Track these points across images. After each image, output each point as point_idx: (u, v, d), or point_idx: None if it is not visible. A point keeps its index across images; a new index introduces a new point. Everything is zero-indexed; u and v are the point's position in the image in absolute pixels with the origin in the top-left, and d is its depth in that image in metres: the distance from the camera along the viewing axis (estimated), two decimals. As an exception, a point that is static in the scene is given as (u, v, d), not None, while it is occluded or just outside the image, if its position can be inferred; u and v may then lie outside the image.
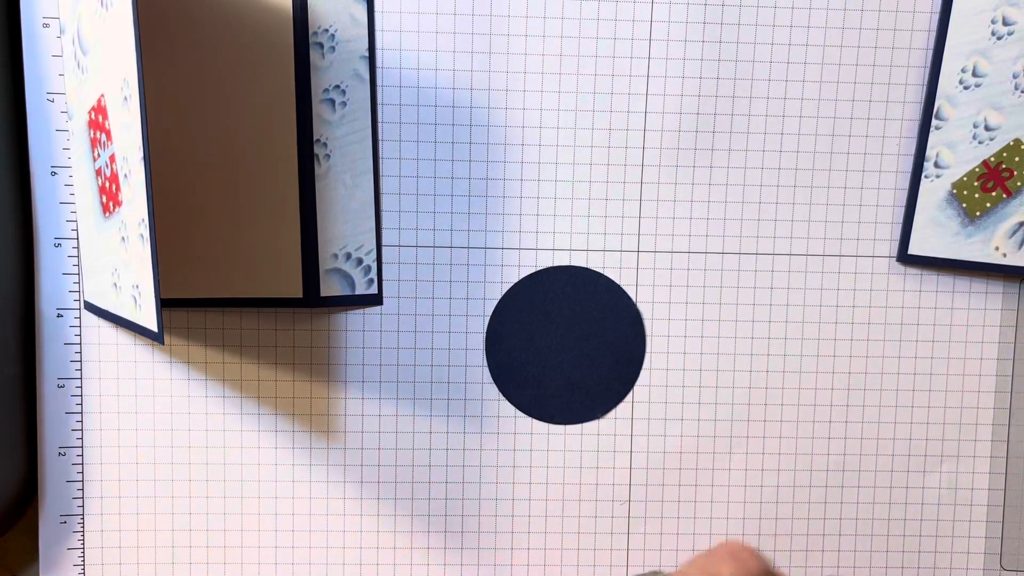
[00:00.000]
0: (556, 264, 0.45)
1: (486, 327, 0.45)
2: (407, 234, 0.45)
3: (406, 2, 0.43)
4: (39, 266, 0.44)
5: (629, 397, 0.46)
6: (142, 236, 0.35)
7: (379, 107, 0.44)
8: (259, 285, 0.44)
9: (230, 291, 0.44)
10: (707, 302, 0.46)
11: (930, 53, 0.44)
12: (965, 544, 0.47)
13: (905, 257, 0.45)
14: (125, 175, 0.36)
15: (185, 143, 0.42)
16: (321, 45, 0.43)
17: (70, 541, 0.45)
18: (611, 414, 0.46)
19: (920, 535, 0.47)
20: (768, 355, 0.46)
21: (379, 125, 0.44)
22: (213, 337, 0.45)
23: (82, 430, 0.45)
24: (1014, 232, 0.45)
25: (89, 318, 0.44)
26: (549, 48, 0.44)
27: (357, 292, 0.44)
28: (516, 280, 0.45)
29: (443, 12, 0.43)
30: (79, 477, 0.45)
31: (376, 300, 0.45)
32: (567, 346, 0.46)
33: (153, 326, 0.35)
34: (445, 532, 0.46)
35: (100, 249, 0.41)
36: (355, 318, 0.45)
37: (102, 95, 0.38)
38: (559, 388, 0.46)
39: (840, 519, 0.47)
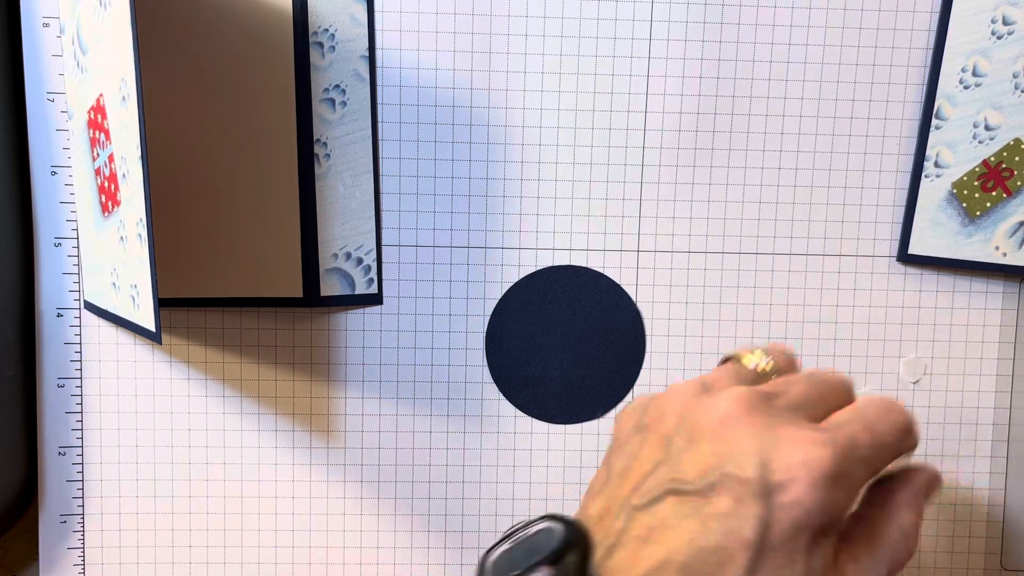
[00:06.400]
0: (556, 264, 0.45)
1: (486, 327, 0.45)
2: (407, 234, 0.45)
3: (406, 2, 0.43)
4: (39, 266, 0.44)
5: (629, 397, 0.46)
6: (140, 236, 0.35)
7: (379, 107, 0.44)
8: (259, 285, 0.44)
9: (230, 291, 0.44)
10: (707, 302, 0.46)
11: (930, 53, 0.44)
12: (965, 544, 0.47)
13: (905, 257, 0.45)
14: (124, 175, 0.36)
15: (184, 143, 0.42)
16: (321, 45, 0.43)
17: (70, 541, 0.45)
18: (611, 414, 0.46)
19: (919, 534, 0.47)
20: (768, 355, 0.46)
21: (379, 125, 0.44)
22: (213, 337, 0.45)
23: (82, 430, 0.45)
24: (1014, 232, 0.45)
25: (89, 318, 0.44)
26: (549, 48, 0.44)
27: (357, 292, 0.44)
28: (516, 280, 0.45)
29: (443, 12, 0.43)
30: (79, 477, 0.45)
31: (376, 300, 0.45)
32: (567, 346, 0.45)
33: (151, 326, 0.35)
34: (445, 532, 0.46)
35: (99, 248, 0.41)
36: (355, 318, 0.45)
37: (101, 95, 0.38)
38: (559, 388, 0.46)
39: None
